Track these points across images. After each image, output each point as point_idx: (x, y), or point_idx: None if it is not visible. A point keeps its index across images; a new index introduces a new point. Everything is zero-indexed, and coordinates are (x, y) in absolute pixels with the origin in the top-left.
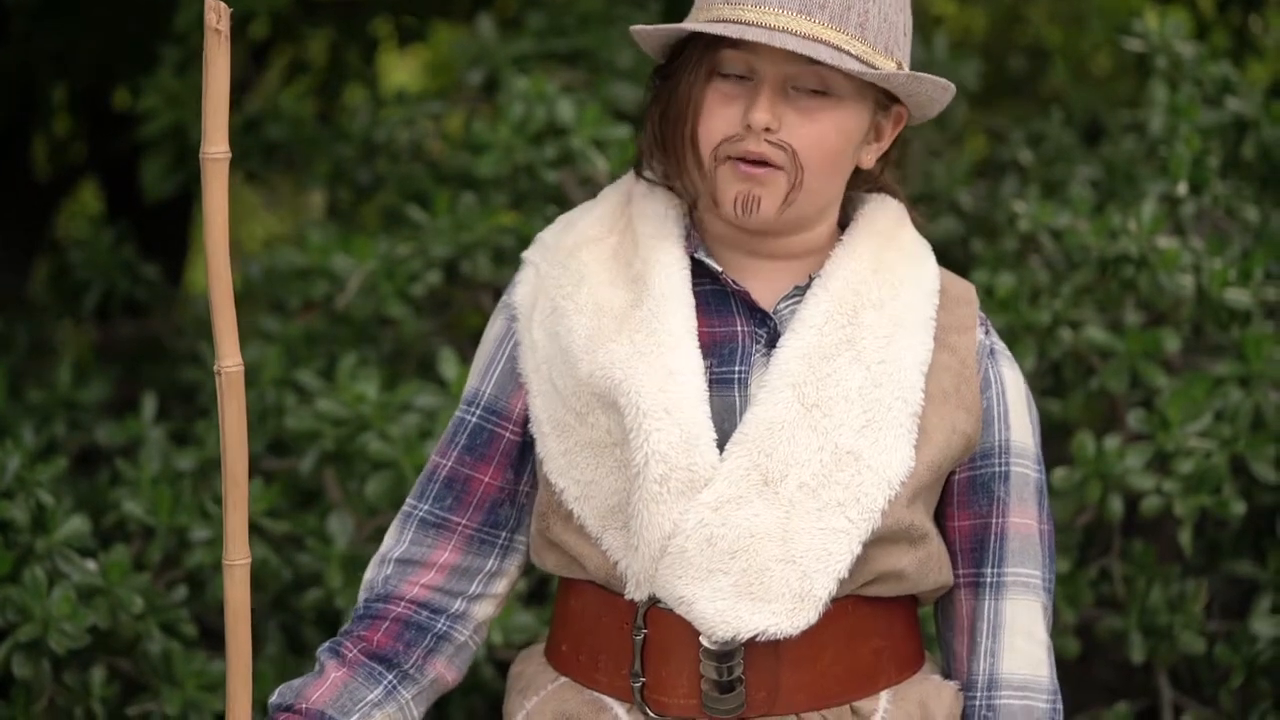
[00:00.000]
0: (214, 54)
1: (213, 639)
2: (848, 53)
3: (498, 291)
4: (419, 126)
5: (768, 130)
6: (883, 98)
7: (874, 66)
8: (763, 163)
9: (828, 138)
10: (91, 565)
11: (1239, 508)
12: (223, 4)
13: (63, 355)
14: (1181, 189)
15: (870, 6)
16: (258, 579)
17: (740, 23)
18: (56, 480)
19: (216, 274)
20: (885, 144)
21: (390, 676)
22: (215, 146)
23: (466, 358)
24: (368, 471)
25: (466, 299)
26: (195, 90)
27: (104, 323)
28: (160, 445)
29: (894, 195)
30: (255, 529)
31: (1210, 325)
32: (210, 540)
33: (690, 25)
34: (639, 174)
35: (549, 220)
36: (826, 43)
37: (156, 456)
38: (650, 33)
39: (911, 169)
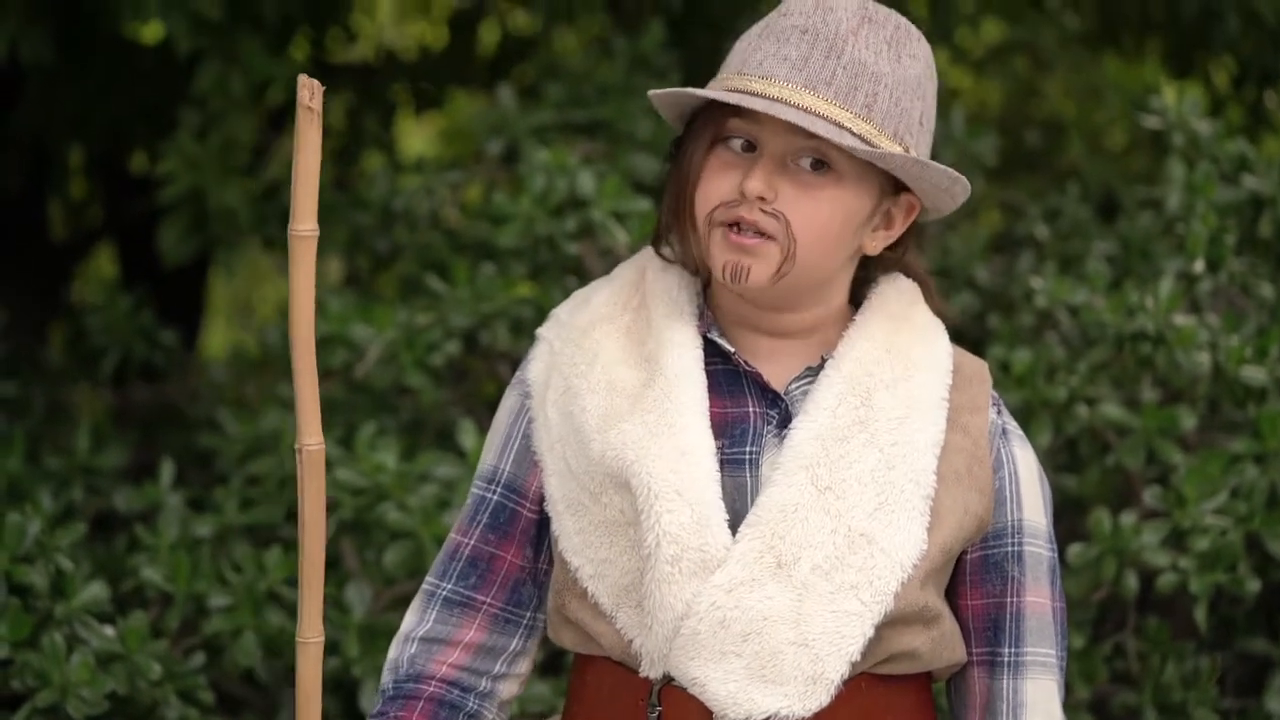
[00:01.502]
0: (305, 130)
1: (230, 706)
2: (849, 130)
3: (515, 362)
4: (438, 195)
5: (761, 199)
6: (889, 184)
7: (870, 143)
8: (756, 233)
9: (822, 213)
10: (110, 631)
11: (1254, 585)
12: (315, 81)
13: (79, 420)
14: (1198, 266)
15: (879, 89)
16: (274, 646)
17: (746, 93)
18: (75, 546)
19: (301, 352)
20: (896, 233)
21: None
22: (304, 224)
23: (484, 428)
24: (385, 541)
25: (484, 369)
26: (215, 155)
27: (120, 387)
28: (178, 511)
29: (920, 281)
30: (272, 597)
31: (1226, 402)
32: (228, 608)
33: (697, 90)
34: (657, 249)
35: (568, 292)
36: (828, 119)
37: (175, 523)
38: (663, 96)
39: (928, 244)
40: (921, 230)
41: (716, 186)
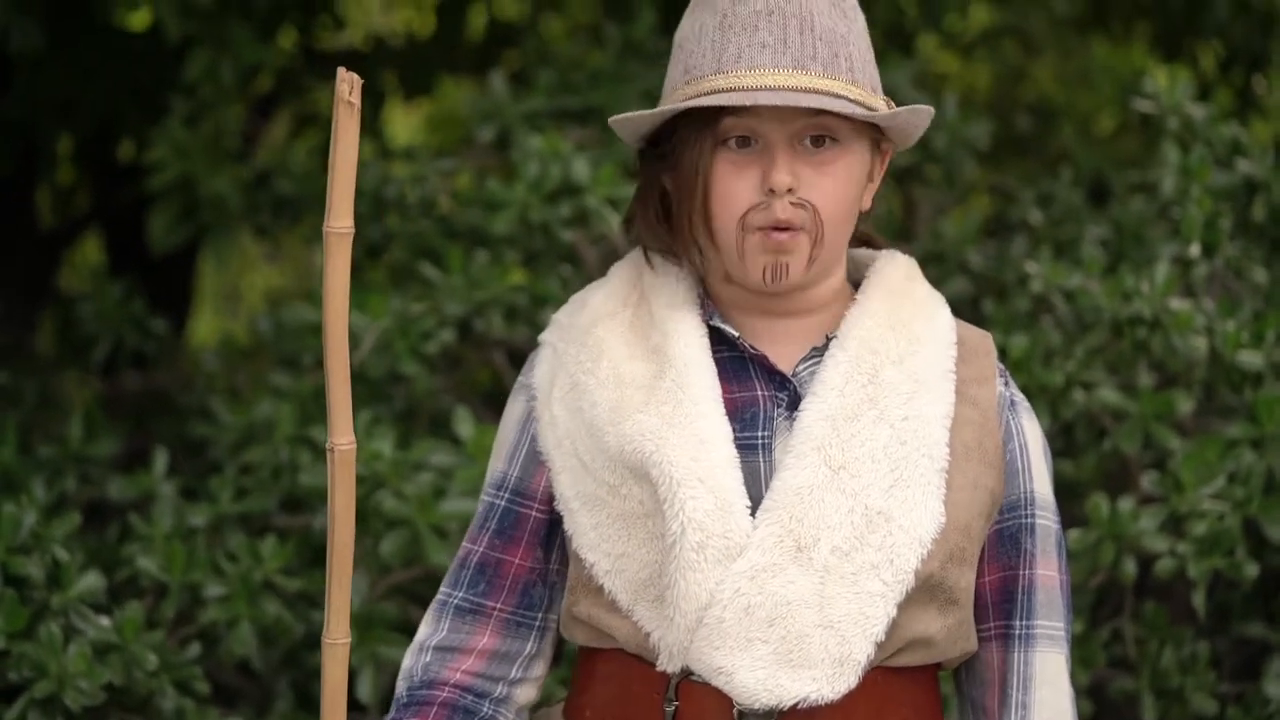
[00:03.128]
0: (344, 125)
1: (225, 696)
2: (847, 99)
3: (510, 350)
4: (430, 183)
5: (790, 191)
6: (876, 136)
7: (870, 107)
8: (786, 228)
9: (841, 187)
10: (106, 622)
11: (1252, 570)
12: (355, 75)
13: (70, 409)
14: (1194, 251)
15: (852, 50)
16: (270, 636)
17: (740, 89)
18: (70, 536)
19: (334, 351)
20: (878, 182)
21: None
22: (340, 221)
23: (479, 415)
24: (382, 529)
25: (478, 357)
26: (205, 142)
27: (110, 376)
28: (172, 501)
29: (871, 244)
30: (268, 586)
31: (1222, 387)
32: (224, 597)
33: (693, 102)
34: (645, 256)
35: (562, 279)
36: (828, 93)
37: (169, 512)
38: (650, 117)
39: (921, 228)
40: (913, 214)
41: (739, 191)
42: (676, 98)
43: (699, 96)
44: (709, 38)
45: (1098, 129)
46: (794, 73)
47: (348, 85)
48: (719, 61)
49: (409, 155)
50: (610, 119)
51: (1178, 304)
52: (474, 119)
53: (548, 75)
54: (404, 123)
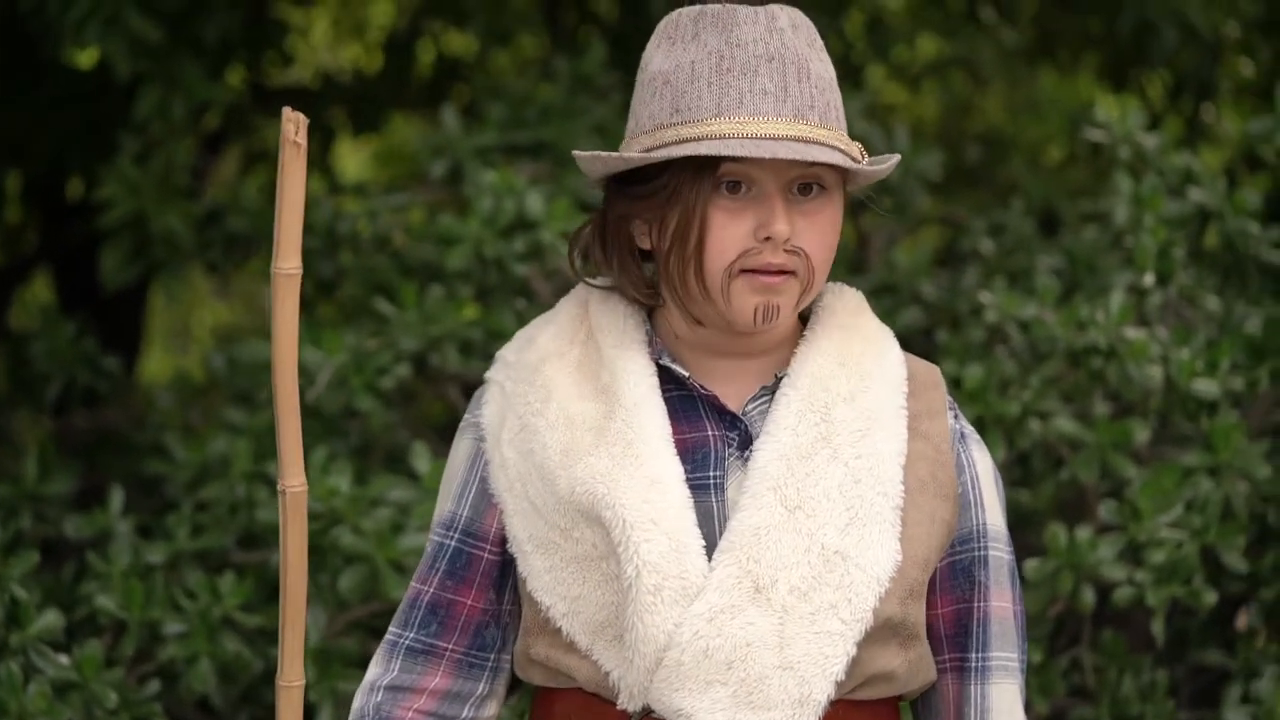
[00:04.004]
0: (291, 166)
1: None
2: (839, 148)
3: (465, 384)
4: (383, 219)
5: (786, 240)
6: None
7: (851, 155)
8: (779, 271)
9: (828, 235)
10: (65, 660)
11: (1210, 598)
12: (301, 115)
13: (23, 447)
14: (1148, 280)
15: (832, 96)
16: (229, 672)
17: (746, 136)
18: (27, 575)
19: (284, 392)
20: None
21: None
22: (288, 261)
23: (435, 450)
24: (340, 565)
25: (433, 392)
26: (155, 179)
27: (61, 414)
28: (129, 538)
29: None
30: (227, 623)
31: (1178, 416)
32: (183, 634)
33: (699, 148)
34: (587, 280)
35: (517, 314)
36: (826, 144)
37: (126, 550)
38: (643, 158)
39: (873, 259)
40: (865, 244)
41: (732, 237)
42: (664, 138)
43: (701, 140)
44: (704, 78)
45: (1047, 159)
46: (794, 122)
47: (293, 125)
48: (719, 104)
49: (360, 191)
50: (584, 154)
51: (1132, 333)
52: (425, 154)
53: (498, 110)
54: (352, 159)
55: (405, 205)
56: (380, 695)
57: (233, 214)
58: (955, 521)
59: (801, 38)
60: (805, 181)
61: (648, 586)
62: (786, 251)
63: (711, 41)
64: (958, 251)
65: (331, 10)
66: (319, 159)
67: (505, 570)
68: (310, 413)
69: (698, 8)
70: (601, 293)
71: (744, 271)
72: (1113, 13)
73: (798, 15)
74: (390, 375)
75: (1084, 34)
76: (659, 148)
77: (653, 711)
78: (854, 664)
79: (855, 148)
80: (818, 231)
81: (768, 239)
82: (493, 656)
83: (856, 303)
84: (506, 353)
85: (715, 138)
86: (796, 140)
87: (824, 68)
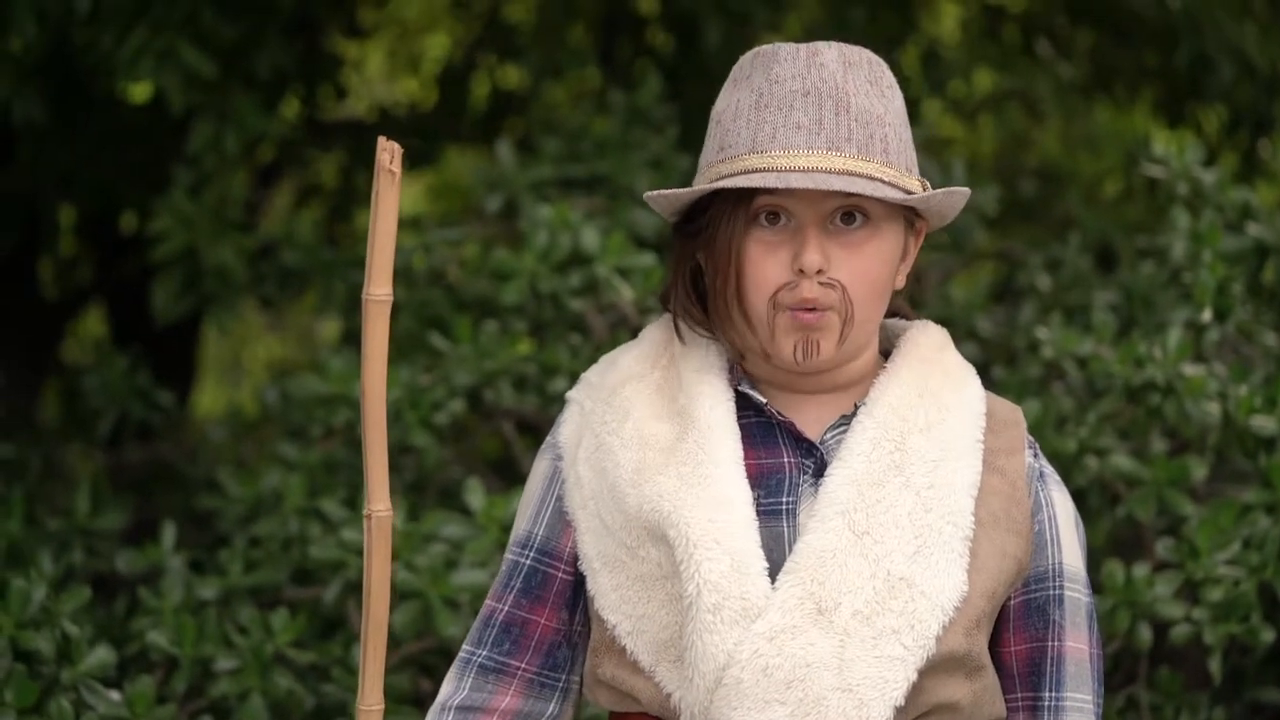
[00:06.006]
0: (385, 194)
1: None
2: (881, 180)
3: (519, 420)
4: (436, 252)
5: (819, 272)
6: (909, 216)
7: (906, 189)
8: (814, 308)
9: (872, 268)
10: (116, 696)
11: (1268, 635)
12: (395, 144)
13: (75, 481)
14: (1206, 316)
15: (888, 131)
16: (281, 709)
17: (774, 170)
18: (79, 610)
19: (372, 418)
20: (911, 261)
21: None
22: (380, 289)
23: (489, 486)
24: (394, 602)
25: (487, 427)
26: (208, 212)
27: (114, 447)
28: (181, 573)
29: (903, 316)
30: (279, 659)
31: (1236, 452)
32: (235, 671)
33: (728, 183)
34: (676, 327)
35: (571, 348)
36: (860, 174)
37: (178, 585)
38: (684, 195)
39: (928, 294)
40: (921, 279)
41: (770, 270)
42: (710, 175)
43: (733, 175)
44: (744, 116)
45: (1103, 194)
46: (827, 154)
47: (388, 154)
48: (754, 141)
49: (415, 225)
50: (646, 194)
51: (1190, 369)
52: (480, 188)
53: (553, 144)
54: (407, 192)
55: (460, 239)
56: (451, 715)
57: (286, 248)
58: (1028, 559)
59: (857, 74)
60: (848, 211)
61: (707, 605)
62: (822, 285)
63: (756, 79)
64: (1014, 287)
65: (386, 43)
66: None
67: (578, 590)
68: (360, 447)
69: (757, 48)
70: (686, 329)
71: (788, 309)
72: (1169, 47)
73: (855, 53)
74: (444, 411)
75: (1140, 68)
76: (703, 185)
77: None
78: (917, 693)
79: (913, 181)
80: (858, 262)
81: (800, 271)
82: (563, 677)
83: (941, 338)
84: (589, 374)
85: (745, 172)
86: (826, 172)
87: (875, 103)
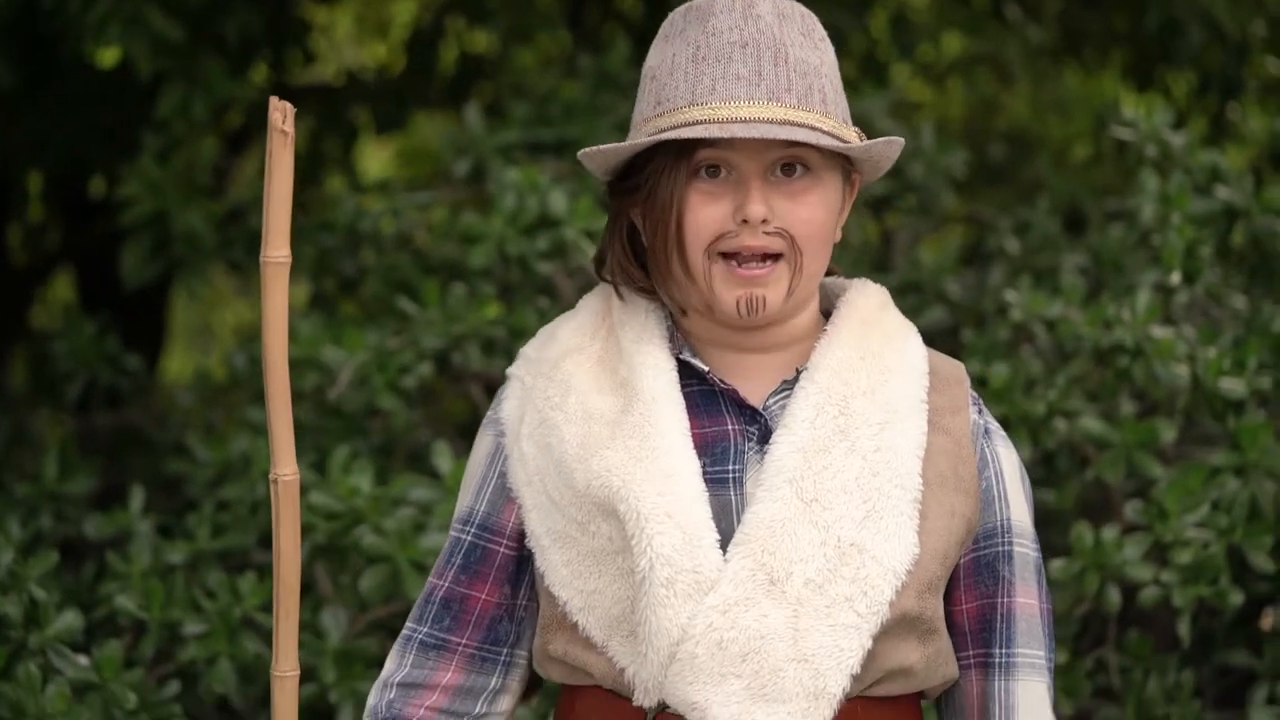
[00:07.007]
0: (279, 154)
1: None
2: (821, 130)
3: (487, 383)
4: (404, 216)
5: (764, 221)
6: (846, 167)
7: (844, 139)
8: (764, 257)
9: (817, 216)
10: (84, 661)
11: (1237, 598)
12: (287, 103)
13: (44, 446)
14: (1175, 278)
15: (824, 83)
16: (249, 673)
17: (715, 121)
18: (47, 575)
19: (275, 382)
20: (847, 212)
21: None
22: (277, 250)
23: (457, 449)
24: (361, 566)
25: (456, 390)
26: (177, 177)
27: (82, 413)
28: (149, 538)
29: (837, 273)
30: (247, 623)
31: (1205, 415)
32: (203, 635)
33: (670, 134)
34: (615, 288)
35: (540, 311)
36: (802, 124)
37: (146, 550)
38: (621, 150)
39: (898, 257)
40: (890, 243)
41: (708, 219)
42: (648, 129)
43: (673, 129)
44: (682, 69)
45: (1072, 157)
46: (768, 104)
47: (280, 114)
48: (693, 93)
49: (383, 189)
50: (580, 152)
51: (1159, 332)
52: (448, 152)
53: (522, 108)
54: (375, 157)
55: (428, 203)
56: (393, 692)
57: (254, 212)
58: (976, 517)
59: (791, 25)
60: (788, 162)
61: (661, 579)
62: (768, 234)
63: (691, 33)
64: (983, 250)
65: (354, 8)
66: (342, 157)
67: (522, 565)
68: (332, 412)
69: (690, 3)
70: (626, 291)
71: (724, 256)
72: (1138, 11)
73: (789, 5)
74: (412, 374)
75: (1109, 32)
76: (642, 139)
77: (668, 707)
78: (871, 658)
79: (850, 131)
80: (803, 210)
81: (745, 221)
82: (505, 651)
83: (880, 298)
84: (528, 349)
85: (686, 125)
86: (767, 122)
87: (811, 54)
